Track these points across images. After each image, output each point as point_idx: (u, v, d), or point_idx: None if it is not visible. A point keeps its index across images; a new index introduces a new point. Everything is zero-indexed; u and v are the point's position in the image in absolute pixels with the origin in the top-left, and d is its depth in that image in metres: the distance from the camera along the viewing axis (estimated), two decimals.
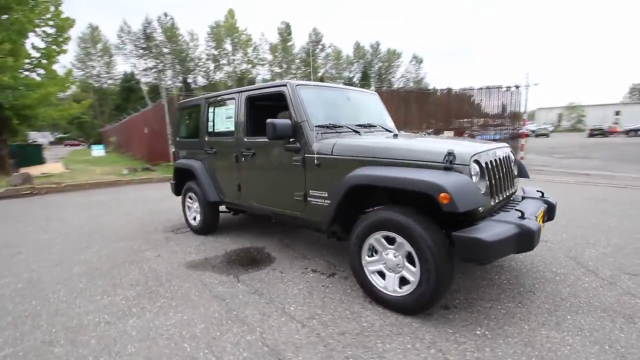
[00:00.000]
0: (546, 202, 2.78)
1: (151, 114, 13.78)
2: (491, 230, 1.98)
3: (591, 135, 33.94)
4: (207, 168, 4.11)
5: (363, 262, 2.46)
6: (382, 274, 2.41)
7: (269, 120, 2.89)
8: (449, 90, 12.27)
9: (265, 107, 3.65)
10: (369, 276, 2.44)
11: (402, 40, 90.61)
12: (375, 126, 3.43)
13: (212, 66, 48.80)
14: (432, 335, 2.06)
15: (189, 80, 47.51)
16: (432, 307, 2.22)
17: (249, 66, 49.20)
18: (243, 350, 1.98)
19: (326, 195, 2.81)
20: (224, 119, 3.88)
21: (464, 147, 2.29)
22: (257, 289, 2.79)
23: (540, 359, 1.84)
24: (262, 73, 51.67)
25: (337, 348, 1.97)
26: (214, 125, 4.03)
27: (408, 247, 2.18)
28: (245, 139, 3.52)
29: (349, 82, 56.02)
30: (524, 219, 2.14)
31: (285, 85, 3.09)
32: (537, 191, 2.97)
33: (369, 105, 3.81)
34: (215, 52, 47.33)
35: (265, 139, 3.56)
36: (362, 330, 2.14)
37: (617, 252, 3.31)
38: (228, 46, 47.33)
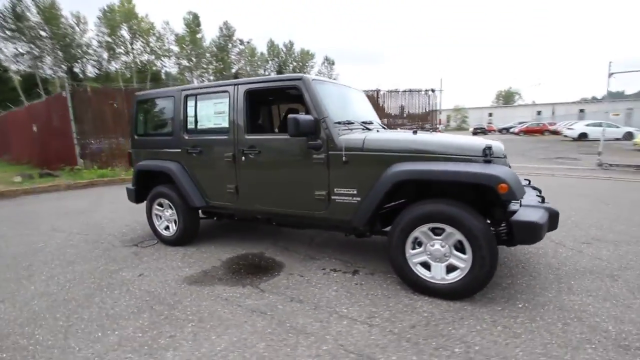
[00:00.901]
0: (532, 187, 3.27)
1: (45, 108, 11.38)
2: (536, 214, 2.25)
3: (475, 133, 40.32)
4: (186, 170, 3.62)
5: (407, 255, 2.52)
6: (425, 265, 2.51)
7: (291, 116, 2.71)
8: (378, 91, 13.16)
9: (264, 102, 3.40)
10: (413, 268, 2.51)
11: (313, 43, 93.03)
12: (372, 122, 3.51)
13: (105, 55, 42.44)
14: (489, 315, 2.24)
15: (76, 70, 40.47)
16: (481, 290, 2.40)
17: (153, 57, 44.32)
18: None
19: (355, 192, 2.77)
20: (212, 114, 3.47)
21: (492, 142, 2.53)
22: (290, 296, 2.60)
23: (579, 319, 2.17)
24: (168, 66, 47.21)
25: (419, 341, 1.99)
26: (196, 122, 3.57)
27: (459, 236, 2.32)
28: (247, 137, 3.21)
29: None
30: (546, 202, 2.48)
31: (300, 80, 2.93)
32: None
33: (363, 103, 3.87)
34: (109, 39, 41.24)
35: (274, 136, 3.36)
36: (428, 321, 2.20)
37: (562, 226, 4.07)
38: (125, 33, 41.78)
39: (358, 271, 3.02)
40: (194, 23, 46.50)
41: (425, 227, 2.43)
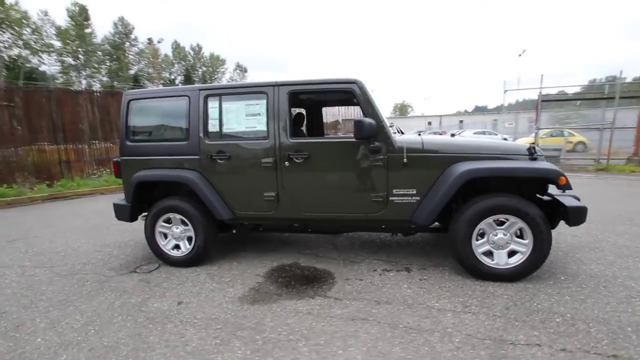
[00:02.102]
0: None
1: None
2: (578, 202, 2.73)
3: None
4: (208, 179, 3.22)
5: (473, 246, 2.76)
6: (486, 254, 2.78)
7: (358, 119, 2.72)
8: None
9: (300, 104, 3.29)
10: (479, 258, 2.76)
11: (224, 49, 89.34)
12: (392, 125, 3.71)
13: None
14: (551, 289, 2.62)
15: None
16: (538, 269, 2.77)
17: (28, 52, 36.62)
18: (480, 349, 1.92)
19: (414, 192, 2.91)
20: (242, 116, 3.18)
21: (525, 142, 2.97)
22: (373, 300, 2.58)
23: (612, 281, 2.71)
24: (47, 62, 39.62)
25: (525, 319, 2.22)
26: (221, 125, 3.21)
27: (521, 225, 2.66)
28: (292, 140, 3.05)
29: (171, 84, 51.04)
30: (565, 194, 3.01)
31: (354, 83, 2.94)
32: None
33: None
34: None
35: (326, 140, 3.26)
36: (514, 302, 2.45)
37: None
38: None
39: (409, 268, 3.14)
40: (80, 16, 40.20)
41: (490, 219, 2.71)
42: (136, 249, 4.01)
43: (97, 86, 37.72)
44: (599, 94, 11.99)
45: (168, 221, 3.37)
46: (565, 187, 2.57)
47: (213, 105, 3.20)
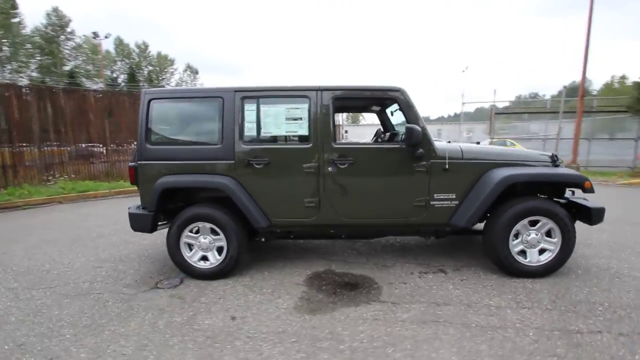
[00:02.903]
0: None
1: None
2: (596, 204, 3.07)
3: None
4: (242, 185, 3.06)
5: (510, 246, 2.97)
6: (521, 253, 3.01)
7: (409, 126, 2.82)
8: None
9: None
10: (515, 257, 2.98)
11: (172, 49, 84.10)
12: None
13: None
14: (578, 282, 2.91)
15: None
16: (564, 265, 3.05)
17: None
18: (556, 340, 2.07)
19: (454, 196, 3.05)
20: (282, 120, 3.09)
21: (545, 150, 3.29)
22: (431, 302, 2.64)
23: (621, 274, 3.09)
24: None
25: (575, 309, 2.44)
26: (259, 128, 3.08)
27: (551, 225, 2.92)
28: (335, 146, 3.02)
29: (114, 82, 47.18)
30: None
31: (398, 91, 3.02)
32: None
33: None
34: None
35: (372, 145, 3.27)
36: (556, 295, 2.68)
37: None
38: None
39: (443, 270, 3.27)
40: (6, 4, 35.58)
41: (525, 221, 2.94)
42: (143, 262, 3.65)
43: (24, 82, 33.35)
44: (542, 108, 13.62)
45: (195, 231, 3.13)
46: (590, 190, 2.90)
47: (250, 107, 3.07)
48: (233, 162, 3.05)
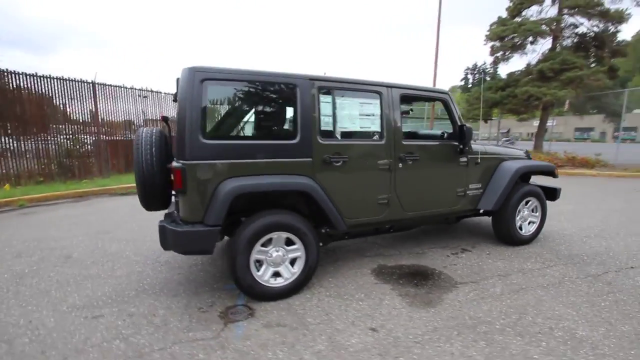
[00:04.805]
0: None
1: None
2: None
3: None
4: (322, 185, 2.75)
5: (515, 222, 3.78)
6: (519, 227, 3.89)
7: (468, 126, 3.22)
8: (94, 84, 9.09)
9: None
10: (517, 230, 3.81)
11: None
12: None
13: None
14: (589, 267, 3.99)
15: None
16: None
17: None
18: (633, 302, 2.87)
19: (480, 185, 3.65)
20: (356, 115, 2.92)
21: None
22: (498, 275, 3.12)
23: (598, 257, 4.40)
24: None
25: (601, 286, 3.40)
26: (335, 123, 2.81)
27: (537, 203, 3.90)
28: (404, 142, 3.08)
29: None
30: None
31: (447, 94, 3.35)
32: None
33: None
34: None
35: (433, 142, 3.44)
36: (554, 252, 3.62)
37: None
38: None
39: (466, 249, 3.83)
40: None
41: (523, 201, 3.81)
42: (165, 295, 2.74)
43: None
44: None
45: (267, 243, 2.61)
46: (556, 176, 4.03)
47: (326, 99, 2.78)
48: (311, 159, 2.69)
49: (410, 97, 3.38)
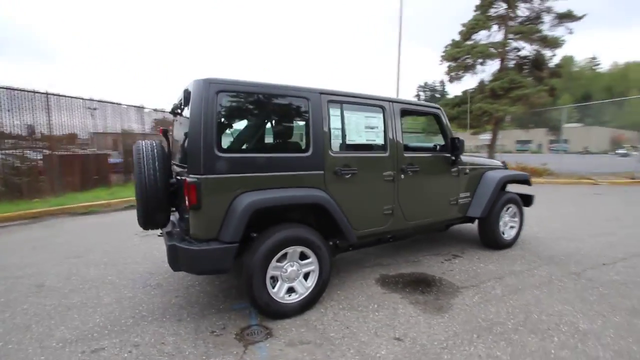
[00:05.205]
0: None
1: None
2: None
3: None
4: (333, 198, 2.75)
5: (499, 227, 4.05)
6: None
7: (461, 139, 3.43)
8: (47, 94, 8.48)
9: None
10: (501, 235, 4.08)
11: None
12: None
13: None
14: (568, 267, 4.31)
15: None
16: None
17: None
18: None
19: (468, 194, 3.87)
20: (362, 128, 2.98)
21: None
22: (494, 277, 3.29)
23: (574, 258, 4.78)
24: None
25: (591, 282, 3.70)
26: (344, 136, 2.84)
27: (516, 209, 4.21)
28: (405, 154, 3.20)
29: None
30: None
31: (439, 109, 3.55)
32: None
33: None
34: None
35: (430, 154, 3.58)
36: (536, 254, 3.91)
37: None
38: None
39: (456, 255, 4.01)
40: None
41: (506, 207, 4.10)
42: (174, 310, 2.54)
43: None
44: None
45: (282, 258, 2.54)
46: (530, 184, 4.39)
47: (335, 112, 2.82)
48: (322, 172, 2.70)
49: (408, 111, 3.53)
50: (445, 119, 3.63)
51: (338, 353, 2.13)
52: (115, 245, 4.61)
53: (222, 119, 2.36)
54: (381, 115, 3.10)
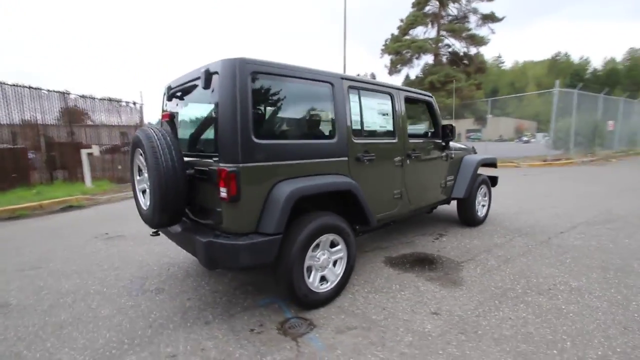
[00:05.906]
0: None
1: None
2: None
3: None
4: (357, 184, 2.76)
5: (476, 205, 4.47)
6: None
7: (452, 125, 3.69)
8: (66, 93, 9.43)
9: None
10: (477, 213, 4.52)
11: None
12: None
13: None
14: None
15: None
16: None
17: None
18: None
19: (452, 177, 4.20)
20: (376, 115, 3.02)
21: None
22: (485, 250, 3.65)
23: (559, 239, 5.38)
24: None
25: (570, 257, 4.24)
26: (362, 122, 2.84)
27: (486, 189, 4.69)
28: (410, 141, 3.33)
29: None
30: None
31: (432, 97, 3.75)
32: None
33: None
34: None
35: (428, 140, 3.75)
36: (512, 228, 4.42)
37: None
38: None
39: (441, 234, 4.33)
40: None
41: (479, 188, 4.54)
42: (194, 313, 2.32)
43: None
44: None
45: (316, 247, 2.49)
46: (496, 167, 4.91)
47: (354, 99, 2.81)
48: (346, 158, 2.70)
49: (409, 99, 3.66)
50: (436, 107, 3.86)
51: (390, 334, 2.19)
52: (75, 252, 4.00)
53: (260, 102, 2.19)
54: (390, 103, 3.18)
